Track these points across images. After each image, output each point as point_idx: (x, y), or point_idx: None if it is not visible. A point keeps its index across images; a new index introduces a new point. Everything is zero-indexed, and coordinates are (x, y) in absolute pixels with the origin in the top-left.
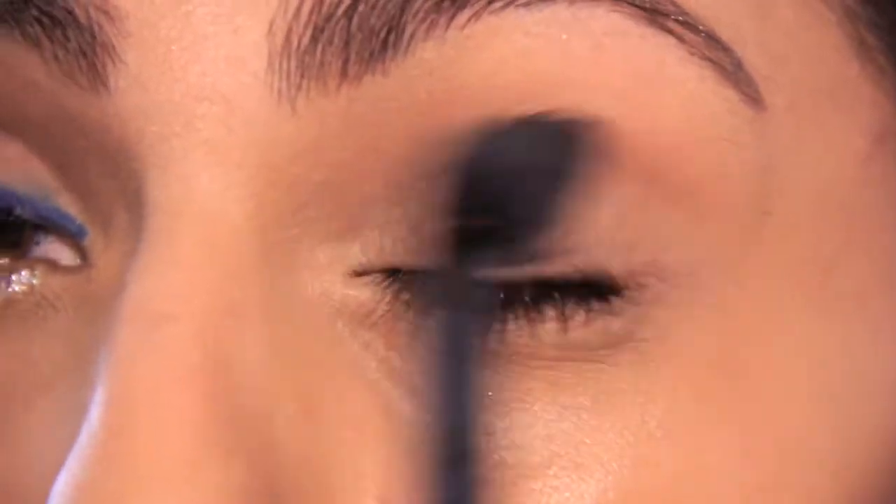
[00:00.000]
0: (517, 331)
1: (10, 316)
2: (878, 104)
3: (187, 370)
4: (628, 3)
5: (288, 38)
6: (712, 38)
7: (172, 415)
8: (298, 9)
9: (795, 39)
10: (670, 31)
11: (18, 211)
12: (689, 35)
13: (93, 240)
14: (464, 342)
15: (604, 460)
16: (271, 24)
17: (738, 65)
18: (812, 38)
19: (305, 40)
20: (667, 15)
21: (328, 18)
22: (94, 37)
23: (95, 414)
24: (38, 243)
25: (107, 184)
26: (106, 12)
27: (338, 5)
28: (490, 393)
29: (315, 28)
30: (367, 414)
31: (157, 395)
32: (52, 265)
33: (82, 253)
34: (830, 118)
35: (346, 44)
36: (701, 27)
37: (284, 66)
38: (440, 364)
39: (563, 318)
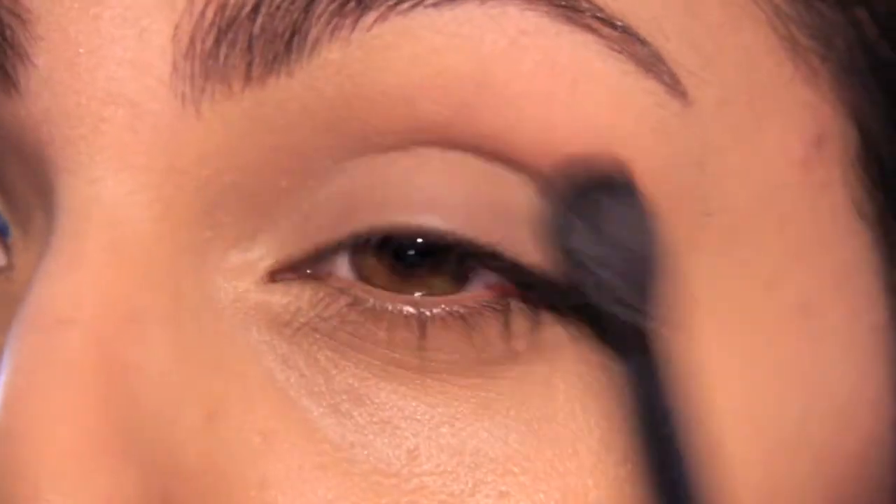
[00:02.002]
0: (453, 346)
1: None
2: (814, 106)
3: (82, 375)
4: (542, 1)
5: (192, 42)
6: (629, 32)
7: (64, 421)
8: (203, 13)
9: (724, 38)
10: (587, 27)
11: None
12: (605, 30)
13: (14, 239)
14: (393, 360)
15: (529, 491)
16: (176, 28)
17: (658, 57)
18: (742, 38)
19: (209, 44)
20: (582, 11)
21: (231, 22)
22: (4, 39)
23: None
24: None
25: (25, 184)
26: (17, 15)
27: (241, 8)
28: (417, 416)
29: (219, 31)
30: (279, 425)
31: (50, 401)
32: None
33: (8, 252)
34: (765, 120)
35: (249, 46)
36: (617, 22)
37: (188, 69)
38: (363, 385)
39: (506, 328)
